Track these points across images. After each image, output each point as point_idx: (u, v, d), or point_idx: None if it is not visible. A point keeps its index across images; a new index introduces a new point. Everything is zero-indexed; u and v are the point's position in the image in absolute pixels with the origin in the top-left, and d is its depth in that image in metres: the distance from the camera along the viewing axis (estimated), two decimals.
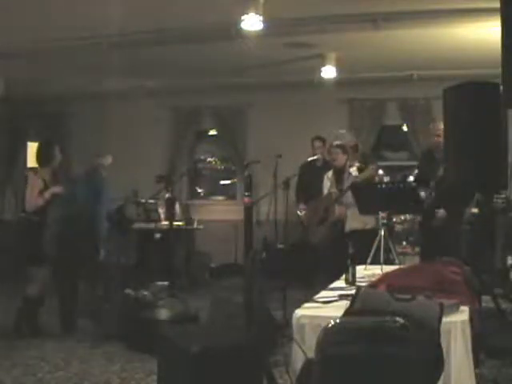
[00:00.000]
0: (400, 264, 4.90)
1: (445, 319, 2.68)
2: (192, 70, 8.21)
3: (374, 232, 5.07)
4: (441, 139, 5.14)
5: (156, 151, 9.54)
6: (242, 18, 5.48)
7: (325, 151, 7.46)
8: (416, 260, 6.68)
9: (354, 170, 6.11)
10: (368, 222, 5.79)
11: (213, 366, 3.13)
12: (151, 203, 8.18)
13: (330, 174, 6.31)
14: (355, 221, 5.89)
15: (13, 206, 9.23)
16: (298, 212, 7.31)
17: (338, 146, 6.25)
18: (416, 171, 6.45)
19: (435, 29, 6.28)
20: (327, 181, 6.30)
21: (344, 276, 4.04)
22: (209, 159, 10.44)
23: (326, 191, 6.30)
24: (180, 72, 8.41)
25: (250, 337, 3.64)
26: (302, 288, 5.88)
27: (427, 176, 5.69)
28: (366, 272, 4.32)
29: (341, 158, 6.20)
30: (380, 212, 5.17)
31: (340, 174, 6.19)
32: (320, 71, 7.71)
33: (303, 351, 2.93)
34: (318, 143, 7.71)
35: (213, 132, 10.10)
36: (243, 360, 3.23)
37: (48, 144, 5.75)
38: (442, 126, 5.40)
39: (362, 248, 4.48)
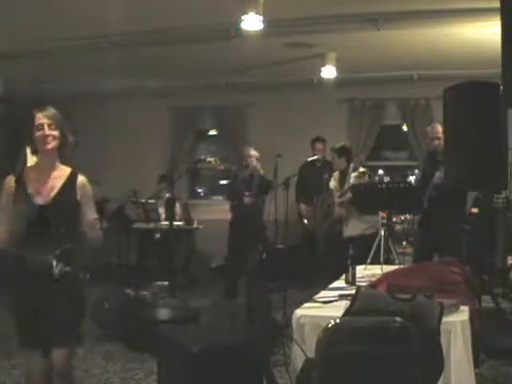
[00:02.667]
0: (400, 264, 4.91)
1: (445, 319, 2.68)
2: (192, 70, 8.20)
3: (373, 236, 5.06)
4: (441, 142, 5.10)
5: (156, 151, 9.54)
6: (242, 17, 5.48)
7: (326, 152, 7.48)
8: None
9: (355, 174, 6.08)
10: (367, 227, 5.77)
11: (213, 366, 3.13)
12: (151, 203, 8.18)
13: (336, 174, 6.33)
14: (353, 228, 5.89)
15: None
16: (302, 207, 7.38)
17: (333, 150, 6.27)
18: (416, 171, 6.43)
19: (435, 29, 6.27)
20: (333, 181, 6.34)
21: (344, 276, 4.04)
22: (209, 159, 10.42)
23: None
24: (180, 72, 8.40)
25: (250, 337, 3.63)
26: (302, 288, 5.89)
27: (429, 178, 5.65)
28: (366, 272, 4.33)
29: (338, 162, 6.21)
30: (380, 212, 5.16)
31: (342, 176, 6.19)
32: (320, 71, 7.70)
33: (303, 351, 2.94)
34: (318, 145, 7.71)
35: (213, 132, 10.09)
36: (243, 360, 3.23)
37: None
38: (440, 129, 5.38)
39: (361, 252, 4.48)
